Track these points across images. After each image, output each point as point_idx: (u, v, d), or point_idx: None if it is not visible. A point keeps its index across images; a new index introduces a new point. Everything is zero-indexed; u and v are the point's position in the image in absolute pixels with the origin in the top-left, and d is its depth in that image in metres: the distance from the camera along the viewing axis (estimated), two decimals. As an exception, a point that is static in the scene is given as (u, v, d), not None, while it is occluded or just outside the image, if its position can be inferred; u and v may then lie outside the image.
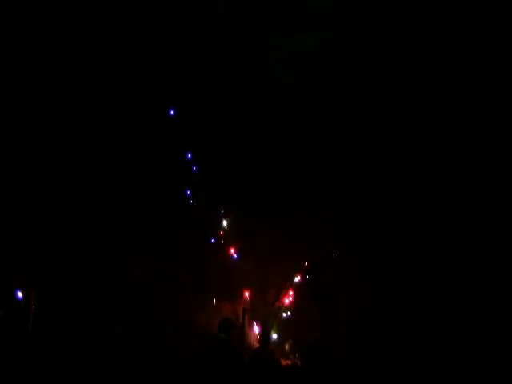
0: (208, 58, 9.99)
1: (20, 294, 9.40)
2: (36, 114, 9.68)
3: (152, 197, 10.57)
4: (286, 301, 12.70)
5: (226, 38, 9.67)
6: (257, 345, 11.56)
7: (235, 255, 11.65)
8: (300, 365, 11.37)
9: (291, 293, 12.72)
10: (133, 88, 10.14)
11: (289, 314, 13.06)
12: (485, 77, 9.34)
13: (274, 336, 12.17)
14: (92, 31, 9.58)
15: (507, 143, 9.64)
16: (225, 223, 12.05)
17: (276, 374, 9.77)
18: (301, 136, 10.49)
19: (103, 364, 9.50)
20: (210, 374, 8.76)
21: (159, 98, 10.37)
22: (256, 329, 12.24)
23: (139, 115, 10.31)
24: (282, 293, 12.57)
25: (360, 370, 10.30)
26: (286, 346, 12.55)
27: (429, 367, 9.77)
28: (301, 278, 12.63)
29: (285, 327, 12.65)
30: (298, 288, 12.76)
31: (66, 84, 9.82)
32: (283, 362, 11.72)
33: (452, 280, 9.91)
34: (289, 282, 12.46)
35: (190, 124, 10.58)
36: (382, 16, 9.15)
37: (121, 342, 9.82)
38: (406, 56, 9.52)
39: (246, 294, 11.98)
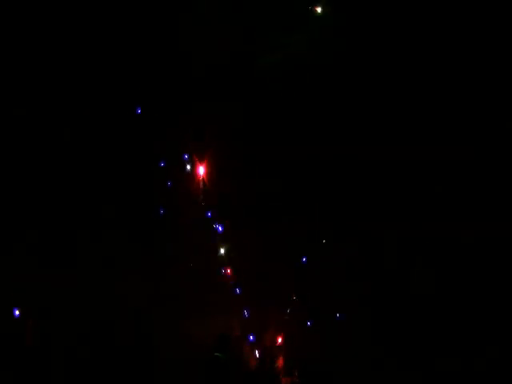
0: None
1: (17, 312, 9.31)
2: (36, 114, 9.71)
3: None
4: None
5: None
6: (255, 361, 11.33)
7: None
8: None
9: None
10: (133, 90, 10.18)
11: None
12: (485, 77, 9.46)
13: None
14: (90, 31, 9.69)
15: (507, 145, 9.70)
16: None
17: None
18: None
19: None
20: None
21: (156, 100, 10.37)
22: None
23: (139, 117, 10.32)
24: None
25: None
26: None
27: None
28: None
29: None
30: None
31: (66, 84, 9.86)
32: (283, 380, 11.47)
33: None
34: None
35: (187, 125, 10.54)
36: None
37: (120, 357, 9.76)
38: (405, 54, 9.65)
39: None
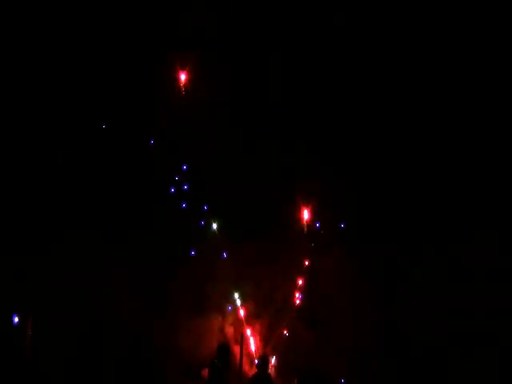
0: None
1: (16, 319, 9.30)
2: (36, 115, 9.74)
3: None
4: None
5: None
6: (253, 370, 11.22)
7: None
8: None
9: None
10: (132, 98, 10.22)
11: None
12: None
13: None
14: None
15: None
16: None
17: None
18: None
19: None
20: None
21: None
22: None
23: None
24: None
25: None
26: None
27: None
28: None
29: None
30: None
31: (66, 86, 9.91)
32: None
33: None
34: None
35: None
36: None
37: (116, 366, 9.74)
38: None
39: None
